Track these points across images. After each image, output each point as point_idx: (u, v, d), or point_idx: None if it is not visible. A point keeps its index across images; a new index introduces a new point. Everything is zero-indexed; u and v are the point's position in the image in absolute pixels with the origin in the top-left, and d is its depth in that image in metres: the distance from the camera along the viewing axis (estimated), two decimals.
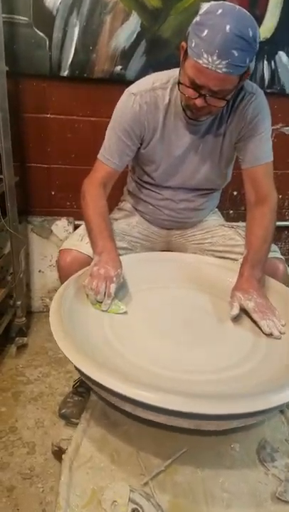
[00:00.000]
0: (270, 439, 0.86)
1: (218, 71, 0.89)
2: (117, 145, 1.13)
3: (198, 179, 1.21)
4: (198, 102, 0.98)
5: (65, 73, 1.51)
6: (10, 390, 1.41)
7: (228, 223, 1.33)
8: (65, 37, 1.45)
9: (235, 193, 1.85)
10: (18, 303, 1.58)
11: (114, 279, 0.96)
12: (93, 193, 1.14)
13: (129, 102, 1.10)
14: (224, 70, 0.89)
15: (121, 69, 1.52)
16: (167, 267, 1.17)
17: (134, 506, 0.71)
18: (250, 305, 0.94)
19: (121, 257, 1.04)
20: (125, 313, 0.97)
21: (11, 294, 1.57)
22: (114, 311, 0.96)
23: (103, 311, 0.95)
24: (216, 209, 1.42)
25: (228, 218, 1.77)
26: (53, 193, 1.74)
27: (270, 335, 0.90)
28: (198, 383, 0.76)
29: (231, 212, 1.89)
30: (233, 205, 1.88)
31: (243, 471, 0.79)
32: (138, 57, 1.51)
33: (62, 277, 1.11)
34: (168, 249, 1.37)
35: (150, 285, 1.09)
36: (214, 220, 1.37)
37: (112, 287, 0.95)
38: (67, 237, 1.46)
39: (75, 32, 1.45)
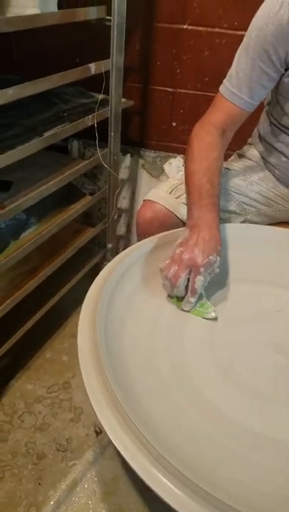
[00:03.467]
0: None
1: None
2: (249, 73, 0.78)
3: None
4: None
5: None
6: None
7: None
8: None
9: None
10: (110, 246, 1.41)
11: (202, 269, 0.66)
12: (205, 140, 0.81)
13: (274, 6, 0.72)
14: None
15: None
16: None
17: None
18: None
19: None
20: (215, 319, 0.67)
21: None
22: (199, 314, 0.68)
23: (184, 311, 0.68)
24: None
25: None
26: (174, 124, 1.45)
27: None
28: None
29: None
30: None
31: None
32: None
33: (139, 236, 0.86)
34: None
35: (249, 277, 0.76)
36: None
37: (199, 281, 0.66)
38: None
39: None
